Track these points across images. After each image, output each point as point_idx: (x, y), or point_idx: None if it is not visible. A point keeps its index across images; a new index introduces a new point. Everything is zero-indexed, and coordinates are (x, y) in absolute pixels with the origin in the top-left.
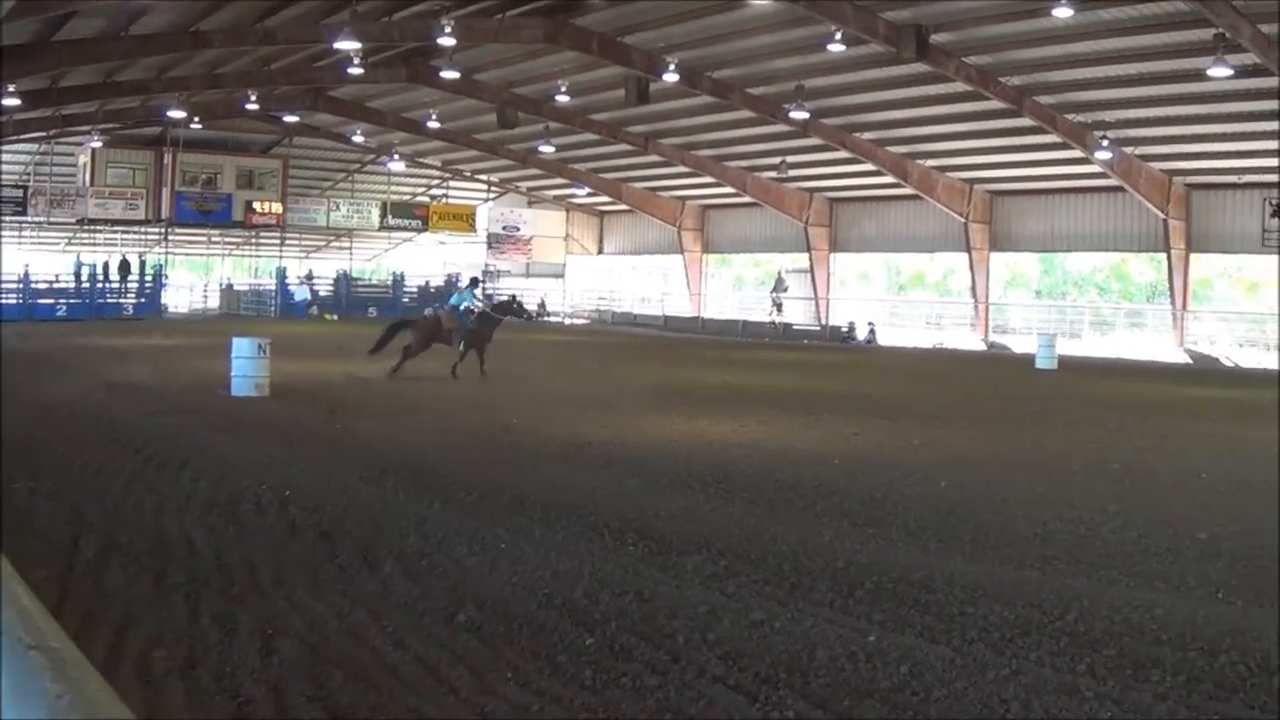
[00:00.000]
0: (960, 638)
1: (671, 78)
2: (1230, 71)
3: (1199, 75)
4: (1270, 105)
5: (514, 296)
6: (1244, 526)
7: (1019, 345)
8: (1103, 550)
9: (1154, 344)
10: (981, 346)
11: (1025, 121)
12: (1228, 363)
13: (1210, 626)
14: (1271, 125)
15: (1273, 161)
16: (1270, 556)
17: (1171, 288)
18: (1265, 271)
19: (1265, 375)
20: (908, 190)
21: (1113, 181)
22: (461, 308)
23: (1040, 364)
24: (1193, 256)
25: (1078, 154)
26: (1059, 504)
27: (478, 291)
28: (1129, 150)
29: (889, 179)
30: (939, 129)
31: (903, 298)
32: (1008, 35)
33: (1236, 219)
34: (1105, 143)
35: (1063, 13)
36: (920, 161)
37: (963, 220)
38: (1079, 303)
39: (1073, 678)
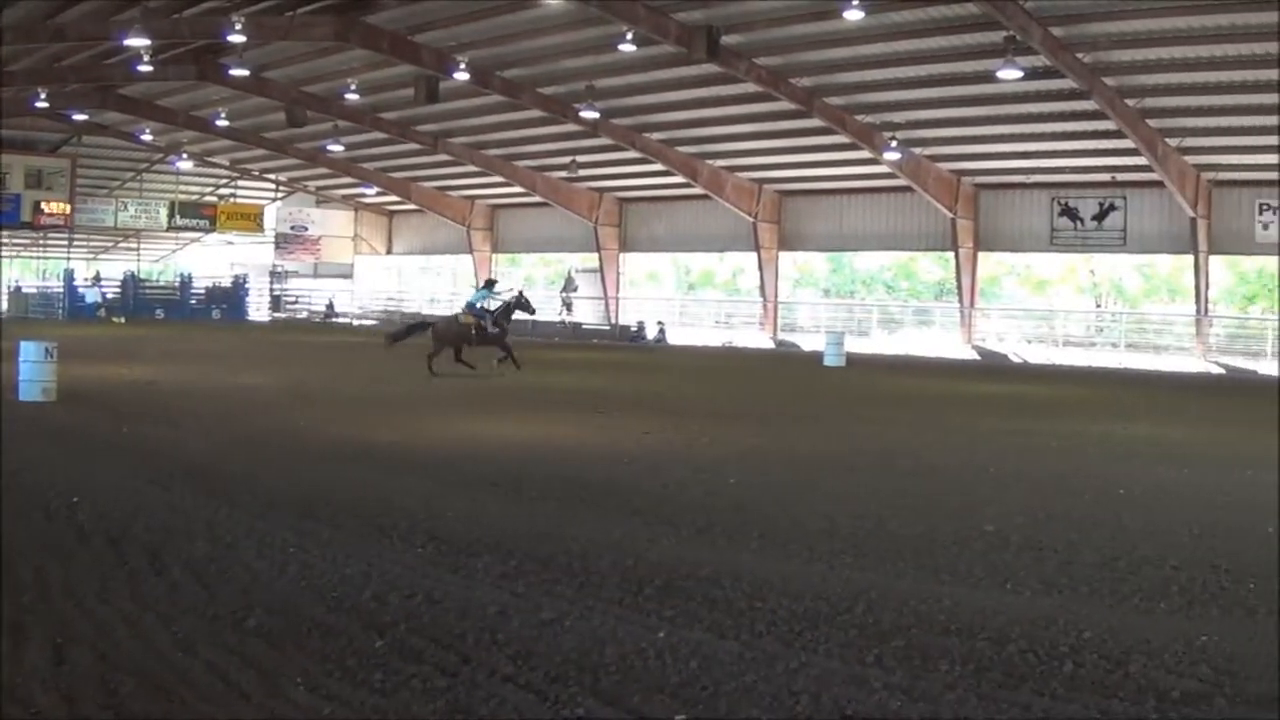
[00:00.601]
0: (749, 632)
1: (462, 76)
2: (1020, 73)
3: (989, 77)
4: (1059, 106)
5: (521, 292)
6: (1030, 518)
7: (808, 343)
8: (890, 543)
9: (942, 341)
10: (770, 345)
11: (815, 122)
12: (1015, 359)
13: (999, 616)
14: (1060, 126)
15: (1061, 161)
16: (1053, 547)
17: (959, 286)
18: (1052, 269)
19: (1052, 371)
20: (697, 190)
21: (901, 181)
22: (478, 305)
23: (828, 362)
24: (980, 255)
25: (867, 154)
26: (847, 498)
27: (496, 290)
28: (918, 151)
29: (679, 179)
30: (729, 129)
31: (692, 297)
32: (798, 37)
33: (1024, 218)
34: (894, 143)
35: (853, 15)
36: (710, 161)
37: (752, 220)
38: (867, 301)
39: (862, 669)
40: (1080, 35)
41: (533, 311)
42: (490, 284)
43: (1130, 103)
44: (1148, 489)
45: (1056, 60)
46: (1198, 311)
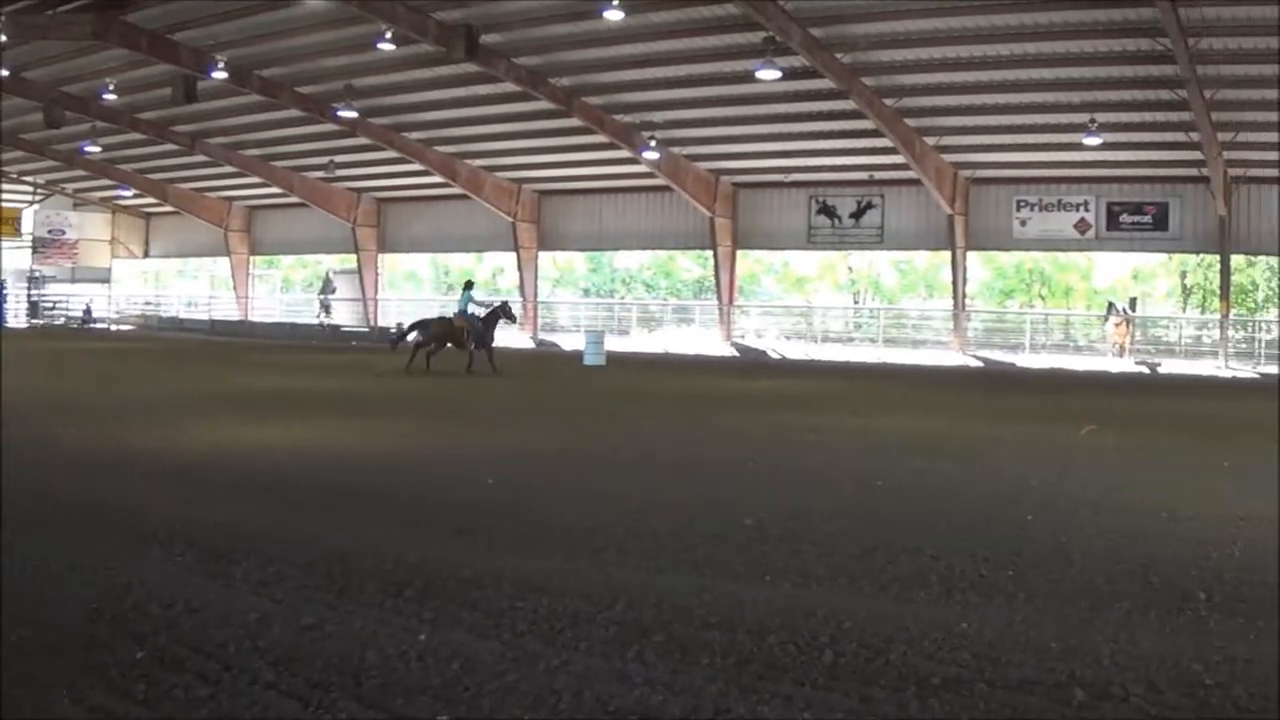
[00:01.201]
0: (510, 631)
1: (220, 76)
2: (779, 74)
3: (748, 77)
4: (818, 106)
5: (505, 303)
6: (790, 511)
7: (568, 343)
8: (651, 540)
9: (702, 339)
10: (531, 345)
11: (574, 122)
12: (774, 355)
13: (759, 608)
14: (819, 125)
15: (819, 160)
16: (812, 539)
17: (718, 283)
18: (811, 266)
19: (811, 366)
20: (456, 190)
21: (660, 181)
22: (469, 311)
23: (589, 361)
24: (739, 253)
25: (626, 154)
26: (607, 496)
27: (474, 294)
28: (677, 150)
29: (438, 179)
30: (488, 129)
31: (451, 298)
32: (558, 37)
33: (783, 216)
34: (653, 143)
35: (613, 15)
36: (469, 161)
37: (511, 220)
38: (627, 299)
39: (623, 665)
40: (839, 36)
41: (514, 320)
42: (470, 285)
43: (888, 102)
44: (906, 480)
45: (815, 61)
46: (955, 306)
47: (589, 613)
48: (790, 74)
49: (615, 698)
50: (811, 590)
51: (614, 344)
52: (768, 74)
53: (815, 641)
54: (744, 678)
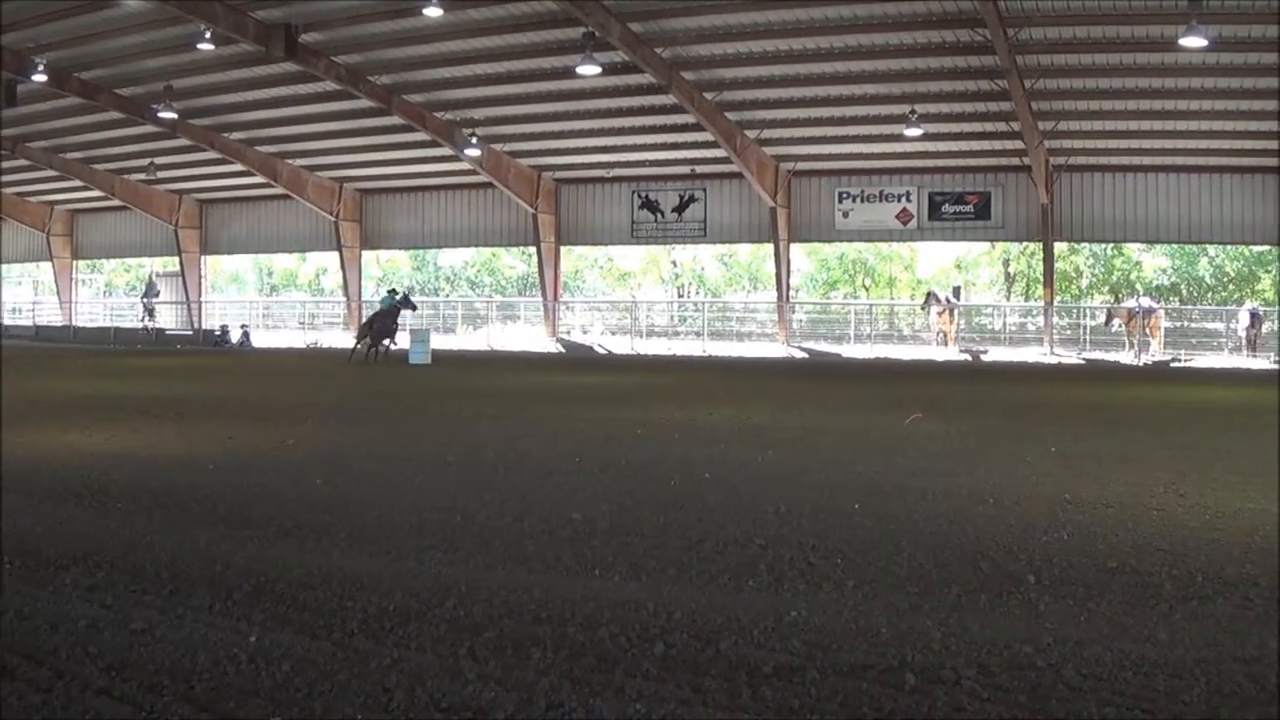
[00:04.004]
0: (341, 631)
1: (40, 79)
2: (599, 69)
3: (568, 73)
4: (639, 101)
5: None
6: (617, 504)
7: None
8: (479, 536)
9: (528, 335)
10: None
11: (395, 120)
12: (600, 350)
13: (588, 602)
14: (640, 120)
15: (641, 155)
16: (640, 532)
17: (542, 280)
18: (634, 261)
19: (637, 361)
20: (278, 190)
21: (482, 178)
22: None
23: (414, 359)
24: (563, 249)
25: (447, 151)
26: (434, 494)
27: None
28: (498, 147)
29: (259, 179)
30: (308, 128)
31: (275, 299)
32: (377, 35)
33: (606, 211)
34: (474, 140)
35: (432, 12)
36: (290, 161)
37: (333, 219)
38: (452, 298)
39: (455, 662)
40: (659, 30)
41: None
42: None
43: (709, 96)
44: (733, 471)
45: (635, 55)
46: (779, 298)
47: (419, 610)
48: (610, 69)
49: (448, 695)
50: (641, 582)
51: (439, 342)
52: (588, 69)
53: (646, 633)
54: (576, 671)
